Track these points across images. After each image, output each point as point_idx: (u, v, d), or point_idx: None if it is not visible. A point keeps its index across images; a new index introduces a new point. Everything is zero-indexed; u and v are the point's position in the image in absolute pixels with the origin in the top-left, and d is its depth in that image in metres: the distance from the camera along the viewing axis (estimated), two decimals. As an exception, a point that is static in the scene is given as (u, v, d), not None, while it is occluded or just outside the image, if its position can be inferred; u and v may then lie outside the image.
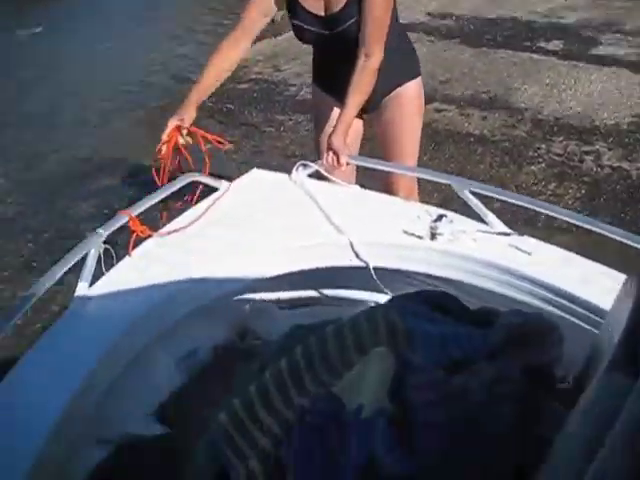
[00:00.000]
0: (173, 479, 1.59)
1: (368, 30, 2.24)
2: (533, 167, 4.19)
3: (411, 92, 2.50)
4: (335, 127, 2.26)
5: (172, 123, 2.09)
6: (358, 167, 2.54)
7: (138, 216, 1.78)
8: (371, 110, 2.52)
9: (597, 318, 1.51)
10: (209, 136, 2.12)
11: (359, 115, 2.45)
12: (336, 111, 2.44)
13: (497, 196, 1.96)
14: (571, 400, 1.03)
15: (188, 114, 2.13)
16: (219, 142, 2.14)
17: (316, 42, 2.43)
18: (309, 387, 1.29)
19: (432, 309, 1.46)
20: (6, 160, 4.73)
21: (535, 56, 5.97)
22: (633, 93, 5.07)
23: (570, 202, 3.78)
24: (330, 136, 2.25)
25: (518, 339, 1.28)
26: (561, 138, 4.52)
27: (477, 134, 4.67)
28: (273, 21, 2.45)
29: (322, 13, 2.29)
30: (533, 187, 3.94)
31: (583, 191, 3.89)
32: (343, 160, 2.20)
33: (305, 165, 2.16)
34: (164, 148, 2.06)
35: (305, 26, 2.33)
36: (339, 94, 2.36)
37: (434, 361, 1.27)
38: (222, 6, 8.00)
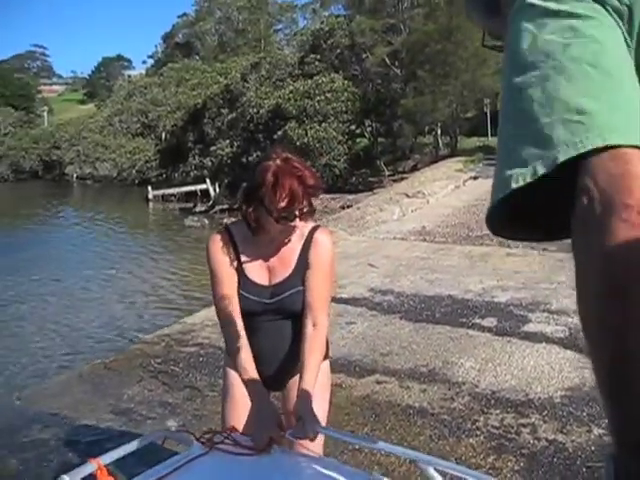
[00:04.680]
0: None
1: (314, 300, 2.39)
2: (471, 440, 4.23)
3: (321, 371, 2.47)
4: (300, 396, 2.23)
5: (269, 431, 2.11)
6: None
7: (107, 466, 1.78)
8: (276, 389, 2.59)
9: None
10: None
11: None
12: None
13: (461, 475, 1.88)
14: None
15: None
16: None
17: (255, 312, 2.48)
18: None
19: None
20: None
21: (471, 332, 6.31)
22: (564, 368, 5.32)
23: (509, 475, 3.78)
24: (297, 406, 2.22)
25: None
26: (498, 411, 4.62)
27: (417, 406, 4.75)
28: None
29: (266, 283, 2.46)
30: (472, 459, 3.94)
31: (521, 464, 3.91)
32: (313, 430, 2.14)
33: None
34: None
35: (250, 296, 2.45)
36: (266, 372, 2.44)
37: None
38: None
